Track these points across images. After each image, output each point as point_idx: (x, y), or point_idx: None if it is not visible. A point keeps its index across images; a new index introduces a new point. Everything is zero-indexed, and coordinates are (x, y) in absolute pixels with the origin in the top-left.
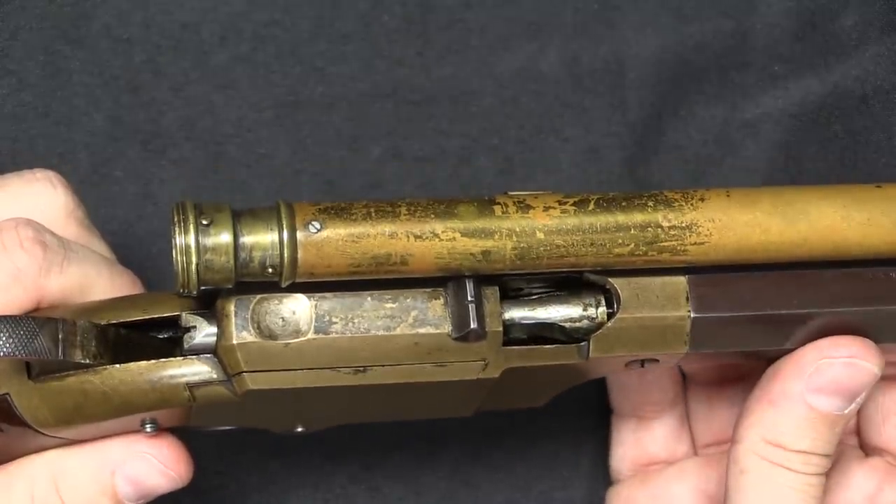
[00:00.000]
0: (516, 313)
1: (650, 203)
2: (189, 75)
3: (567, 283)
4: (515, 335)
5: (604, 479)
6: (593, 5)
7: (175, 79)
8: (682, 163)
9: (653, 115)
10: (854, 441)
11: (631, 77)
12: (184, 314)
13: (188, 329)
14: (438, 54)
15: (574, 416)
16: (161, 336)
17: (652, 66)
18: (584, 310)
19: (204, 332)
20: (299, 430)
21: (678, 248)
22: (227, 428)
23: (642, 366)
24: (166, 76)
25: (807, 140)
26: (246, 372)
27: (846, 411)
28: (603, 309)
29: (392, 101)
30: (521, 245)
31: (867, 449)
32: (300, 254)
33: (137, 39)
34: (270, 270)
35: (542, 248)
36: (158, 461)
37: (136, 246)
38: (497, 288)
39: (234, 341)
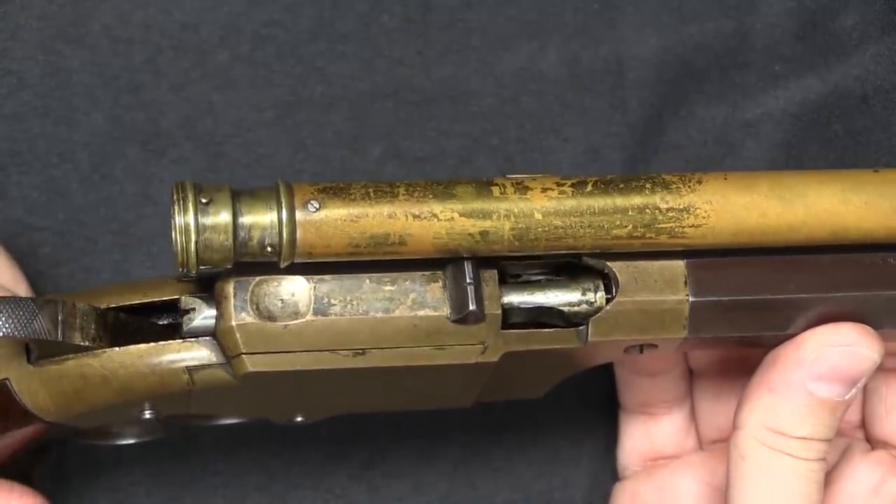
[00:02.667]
0: (515, 297)
1: (648, 185)
2: (189, 75)
3: (565, 268)
4: (514, 320)
5: (603, 478)
6: (593, 5)
7: (175, 79)
8: (683, 163)
9: (653, 115)
10: (861, 434)
11: (631, 77)
12: (183, 297)
13: (187, 311)
14: (438, 54)
15: (574, 416)
16: (160, 321)
17: (652, 66)
18: (583, 294)
19: (203, 315)
20: (299, 419)
21: (676, 230)
22: (229, 422)
23: (641, 351)
24: (166, 76)
25: (807, 140)
26: (245, 354)
27: (846, 397)
28: (602, 293)
29: (392, 101)
30: (520, 226)
31: (872, 441)
32: (299, 233)
33: (137, 39)
34: (269, 250)
35: (539, 230)
36: None
37: (136, 246)
38: (496, 271)
39: (233, 322)
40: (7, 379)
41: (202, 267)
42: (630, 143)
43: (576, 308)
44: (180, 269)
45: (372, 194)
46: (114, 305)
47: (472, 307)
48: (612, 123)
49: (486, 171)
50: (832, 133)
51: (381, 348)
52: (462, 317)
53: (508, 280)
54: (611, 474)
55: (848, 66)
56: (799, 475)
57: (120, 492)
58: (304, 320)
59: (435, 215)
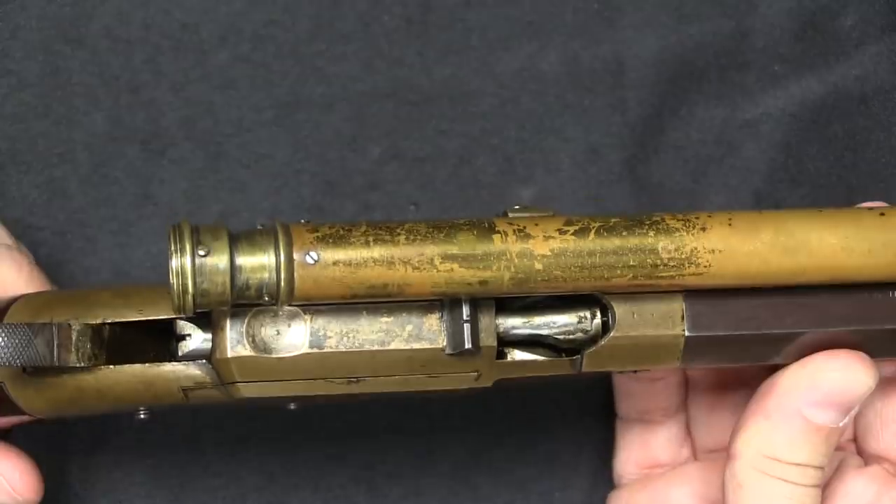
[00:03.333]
0: (511, 322)
1: (651, 233)
2: (189, 75)
3: (563, 295)
4: (510, 340)
5: (603, 480)
6: (593, 5)
7: (175, 79)
8: (682, 163)
9: (653, 115)
10: (852, 448)
11: (631, 77)
12: (179, 322)
13: (183, 337)
14: (438, 54)
15: (574, 418)
16: (157, 328)
17: (652, 66)
18: (580, 322)
19: (199, 339)
20: (291, 407)
21: (676, 277)
22: None
23: (634, 372)
24: (166, 76)
25: (807, 140)
26: (240, 382)
27: (841, 424)
28: (598, 321)
29: (392, 101)
30: (519, 275)
31: (865, 456)
32: (297, 283)
33: (137, 39)
34: (267, 297)
35: (539, 278)
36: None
37: (136, 246)
38: (493, 301)
39: (229, 355)
40: (3, 383)
41: (199, 310)
42: (630, 143)
43: (571, 336)
44: (178, 312)
45: (371, 242)
46: (109, 321)
47: (468, 346)
48: (611, 123)
49: (487, 172)
50: (832, 133)
51: (376, 377)
52: (458, 353)
53: (505, 303)
54: (610, 476)
55: (848, 66)
56: (795, 501)
57: (120, 492)
58: (299, 353)
59: (434, 266)
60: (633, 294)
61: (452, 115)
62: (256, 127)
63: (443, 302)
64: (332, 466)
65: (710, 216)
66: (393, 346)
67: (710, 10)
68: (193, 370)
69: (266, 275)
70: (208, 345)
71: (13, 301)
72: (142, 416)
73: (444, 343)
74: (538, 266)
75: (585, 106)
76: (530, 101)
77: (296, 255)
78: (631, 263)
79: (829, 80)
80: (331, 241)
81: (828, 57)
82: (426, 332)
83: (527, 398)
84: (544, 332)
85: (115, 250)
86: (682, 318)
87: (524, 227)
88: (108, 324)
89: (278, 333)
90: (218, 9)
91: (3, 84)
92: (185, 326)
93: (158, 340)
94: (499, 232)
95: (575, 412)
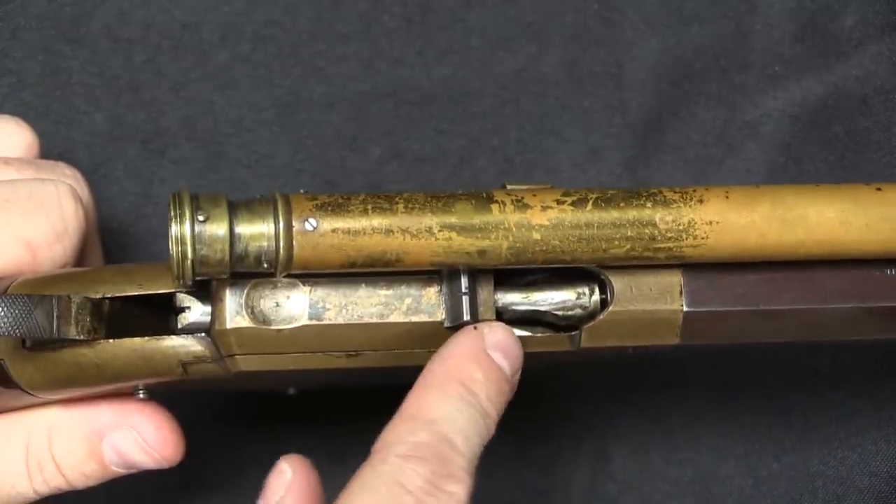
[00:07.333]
0: (510, 298)
1: (648, 204)
2: (189, 75)
3: (562, 269)
4: (509, 317)
5: (603, 479)
6: (593, 6)
7: (175, 79)
8: (683, 163)
9: (653, 116)
10: None
11: (631, 78)
12: (178, 294)
13: (182, 309)
14: (438, 54)
15: (574, 417)
16: (156, 304)
17: (652, 67)
18: (578, 298)
19: (198, 312)
20: (291, 392)
21: (674, 249)
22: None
23: (632, 351)
24: (166, 76)
25: (807, 140)
26: (238, 354)
27: None
28: (596, 297)
29: (392, 101)
30: (517, 245)
31: None
32: (296, 250)
33: (137, 39)
34: (266, 265)
35: (537, 248)
36: (143, 439)
37: (136, 246)
38: (491, 275)
39: (228, 326)
40: (3, 360)
41: (198, 278)
42: (630, 144)
43: (570, 311)
44: (177, 281)
45: (370, 210)
46: (109, 296)
47: (466, 318)
48: (611, 125)
49: (487, 172)
50: (832, 134)
51: (374, 350)
52: (456, 326)
53: (504, 279)
54: (610, 475)
55: (848, 67)
56: None
57: (119, 492)
58: (298, 325)
59: (433, 234)
60: (631, 268)
61: (452, 115)
62: (256, 127)
63: (441, 274)
64: (332, 466)
65: (707, 189)
66: (392, 318)
67: (710, 11)
68: (192, 344)
69: (265, 242)
70: (207, 318)
71: (13, 281)
72: (140, 396)
73: (443, 316)
74: (536, 236)
75: (585, 107)
76: (530, 101)
77: (294, 223)
78: (629, 235)
79: (829, 80)
80: (329, 209)
81: (828, 57)
82: (425, 305)
83: (526, 397)
84: (543, 308)
85: (115, 250)
86: (681, 293)
87: (522, 198)
88: (108, 298)
89: (277, 305)
90: (218, 9)
91: (3, 84)
92: (185, 299)
93: (158, 316)
94: (497, 202)
95: (574, 412)
